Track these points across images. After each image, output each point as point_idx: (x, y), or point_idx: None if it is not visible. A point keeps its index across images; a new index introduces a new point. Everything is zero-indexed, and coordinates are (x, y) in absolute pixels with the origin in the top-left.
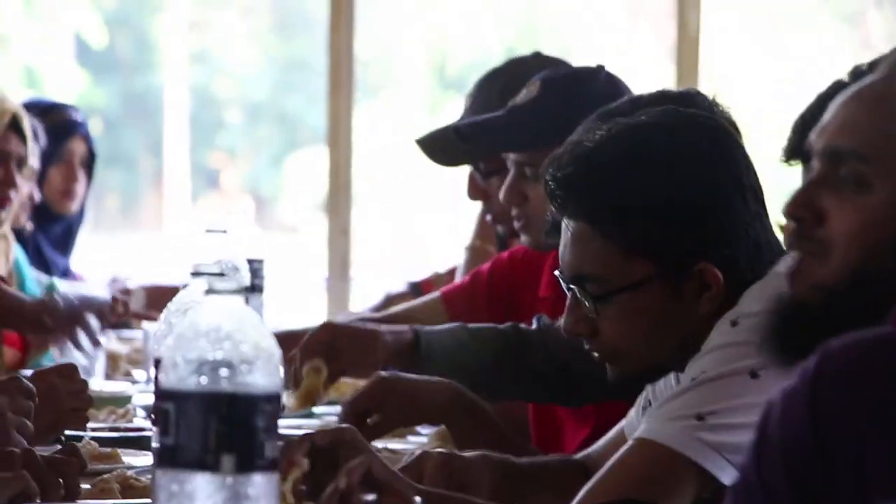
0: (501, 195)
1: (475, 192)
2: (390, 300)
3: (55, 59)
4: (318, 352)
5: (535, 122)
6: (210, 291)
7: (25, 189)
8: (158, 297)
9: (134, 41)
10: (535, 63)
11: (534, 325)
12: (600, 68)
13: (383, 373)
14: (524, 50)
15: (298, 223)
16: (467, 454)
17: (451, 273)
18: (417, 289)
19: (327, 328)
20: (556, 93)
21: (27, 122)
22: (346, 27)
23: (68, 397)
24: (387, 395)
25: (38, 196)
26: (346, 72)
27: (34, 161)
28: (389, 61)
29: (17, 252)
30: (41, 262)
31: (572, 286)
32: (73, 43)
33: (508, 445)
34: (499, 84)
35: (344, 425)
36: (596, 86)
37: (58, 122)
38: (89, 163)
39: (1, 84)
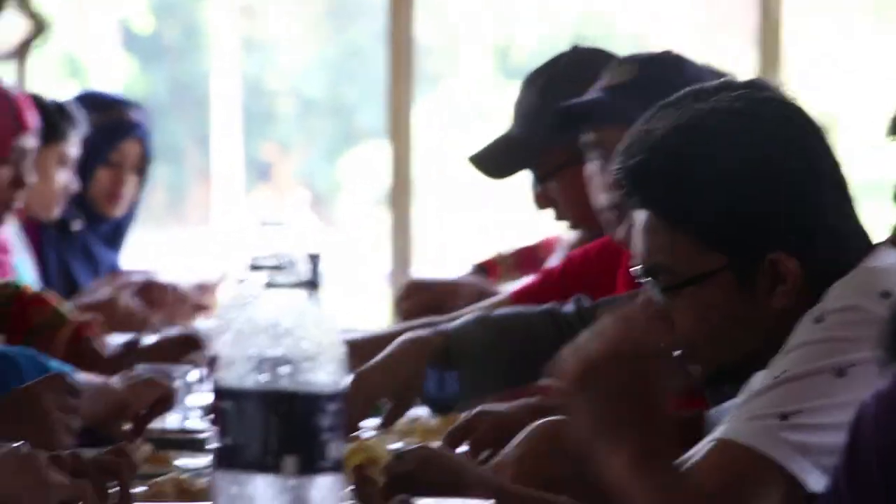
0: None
1: (543, 201)
2: None
3: (100, 47)
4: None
5: (640, 101)
6: (269, 286)
7: (61, 182)
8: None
9: (182, 28)
10: (576, 56)
11: (571, 307)
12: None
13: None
14: (592, 36)
15: (355, 218)
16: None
17: (517, 254)
18: (482, 271)
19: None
20: (657, 72)
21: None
22: (406, 14)
23: (57, 414)
24: (482, 425)
25: (74, 186)
26: (406, 61)
27: (72, 150)
28: (449, 49)
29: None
30: (88, 259)
31: (644, 278)
32: (119, 30)
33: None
34: (539, 82)
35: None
36: (692, 68)
37: (112, 120)
38: (143, 164)
39: (44, 73)
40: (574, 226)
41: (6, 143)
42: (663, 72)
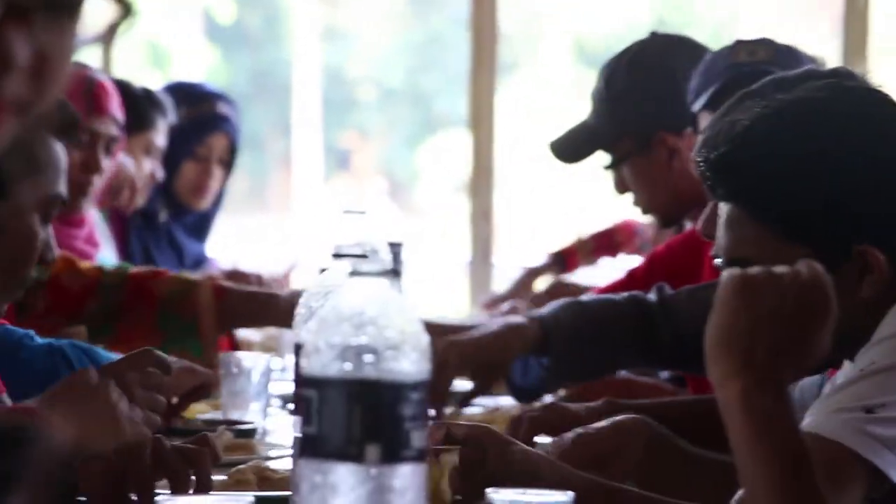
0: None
1: (621, 186)
2: (532, 274)
3: (183, 36)
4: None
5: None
6: (353, 274)
7: (147, 170)
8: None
9: (263, 16)
10: (659, 42)
11: (653, 296)
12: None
13: (553, 402)
14: (673, 23)
15: (434, 206)
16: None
17: (595, 238)
18: (560, 259)
19: None
20: (787, 59)
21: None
22: (489, 1)
23: (140, 392)
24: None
25: (160, 174)
26: (488, 48)
27: (159, 138)
28: (529, 37)
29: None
30: (174, 249)
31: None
32: (202, 18)
33: (706, 478)
34: (618, 70)
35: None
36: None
37: (201, 114)
38: (229, 158)
39: (128, 58)
40: (645, 211)
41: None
42: (790, 59)
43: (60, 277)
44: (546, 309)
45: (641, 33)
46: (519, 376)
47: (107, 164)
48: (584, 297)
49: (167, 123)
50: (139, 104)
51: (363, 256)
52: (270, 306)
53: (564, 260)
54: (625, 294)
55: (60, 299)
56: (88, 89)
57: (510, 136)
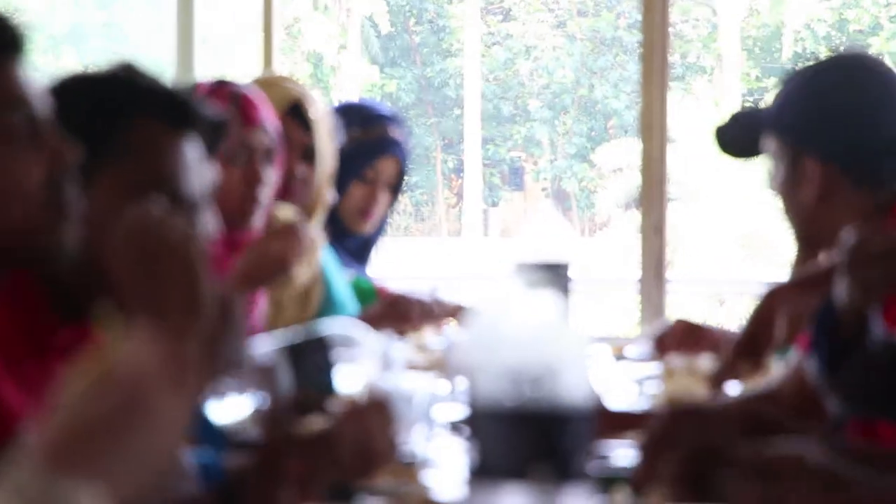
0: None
1: (775, 185)
2: None
3: (343, 48)
4: None
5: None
6: (520, 295)
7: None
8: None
9: (426, 28)
10: (852, 62)
11: None
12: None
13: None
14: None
15: (607, 220)
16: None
17: None
18: None
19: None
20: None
21: (316, 109)
22: (661, 6)
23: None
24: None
25: (331, 197)
26: (659, 56)
27: (331, 160)
28: (707, 43)
29: (325, 254)
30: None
31: None
32: (362, 31)
33: None
34: (808, 78)
35: None
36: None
37: (373, 137)
38: (397, 182)
39: (289, 75)
40: (790, 226)
41: (230, 140)
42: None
43: None
44: None
45: (827, 40)
46: None
47: (270, 174)
48: None
49: (335, 144)
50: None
51: (530, 276)
52: None
53: None
54: None
55: None
56: (235, 102)
57: (687, 147)
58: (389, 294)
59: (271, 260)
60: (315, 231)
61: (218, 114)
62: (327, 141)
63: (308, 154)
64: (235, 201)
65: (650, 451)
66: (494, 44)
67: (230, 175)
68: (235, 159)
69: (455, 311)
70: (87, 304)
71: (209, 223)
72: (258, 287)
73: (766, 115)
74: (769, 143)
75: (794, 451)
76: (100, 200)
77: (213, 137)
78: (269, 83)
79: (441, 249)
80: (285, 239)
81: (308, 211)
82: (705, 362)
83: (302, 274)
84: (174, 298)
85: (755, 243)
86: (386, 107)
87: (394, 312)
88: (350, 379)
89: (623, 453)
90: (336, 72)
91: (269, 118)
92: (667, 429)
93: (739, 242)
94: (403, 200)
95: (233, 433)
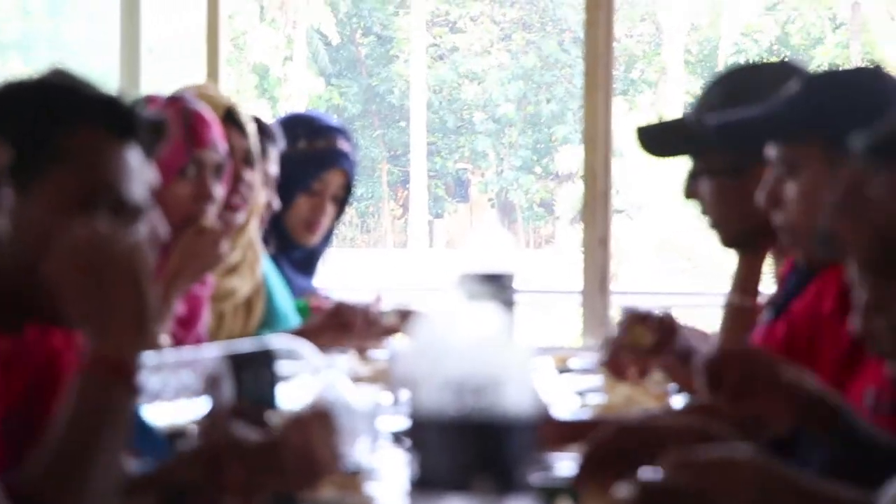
0: (757, 197)
1: (691, 193)
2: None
3: (289, 60)
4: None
5: (800, 116)
6: (464, 306)
7: (263, 200)
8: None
9: (372, 40)
10: (780, 69)
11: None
12: (875, 67)
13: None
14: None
15: (553, 233)
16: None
17: None
18: None
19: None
20: (823, 88)
21: (244, 114)
22: (606, 20)
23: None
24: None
25: (276, 204)
26: (603, 70)
27: (273, 167)
28: (651, 55)
29: (266, 264)
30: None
31: None
32: (308, 42)
33: None
34: (733, 82)
35: None
36: (867, 82)
37: (320, 149)
38: (343, 194)
39: (235, 86)
40: (712, 226)
41: (181, 157)
42: (831, 87)
43: None
44: None
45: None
46: None
47: (219, 190)
48: None
49: (278, 151)
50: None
51: (474, 287)
52: None
53: None
54: None
55: None
56: (187, 121)
57: (630, 159)
58: (332, 303)
59: (198, 256)
60: (255, 234)
61: (157, 116)
62: (258, 143)
63: (248, 158)
64: (182, 216)
65: (592, 462)
66: (440, 56)
67: (180, 190)
68: (185, 174)
69: (398, 321)
70: (20, 312)
71: (158, 226)
72: (189, 284)
73: (767, 119)
74: (776, 150)
75: (727, 453)
76: (41, 208)
77: (153, 140)
78: (200, 94)
79: (387, 261)
80: (207, 235)
81: (252, 213)
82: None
83: (244, 286)
84: (120, 311)
85: (698, 255)
86: (333, 119)
87: (336, 322)
88: (292, 393)
89: (566, 465)
90: (282, 83)
91: (219, 134)
92: (611, 442)
93: (683, 254)
94: (349, 212)
95: (175, 438)
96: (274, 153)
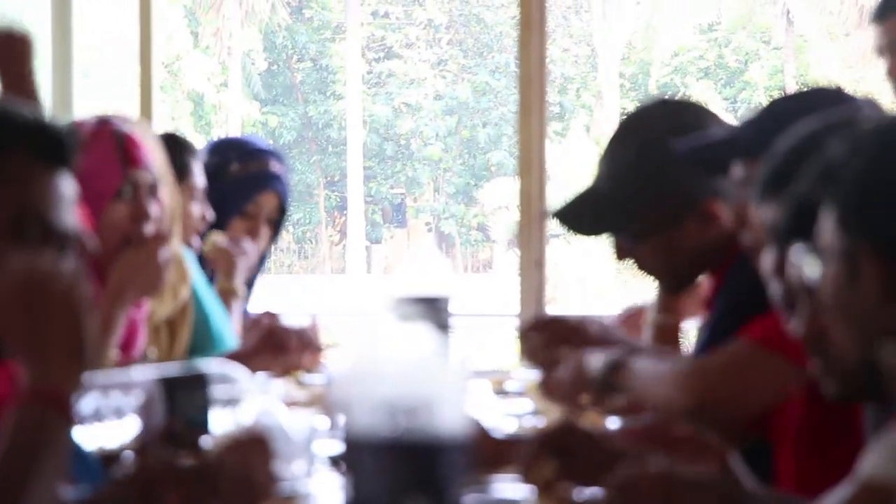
0: (727, 216)
1: (623, 252)
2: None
3: (224, 87)
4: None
5: (762, 136)
6: (398, 328)
7: (197, 214)
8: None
9: (308, 66)
10: (667, 110)
11: None
12: (836, 88)
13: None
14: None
15: (490, 258)
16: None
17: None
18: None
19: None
20: (782, 109)
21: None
22: (538, 48)
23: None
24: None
25: (210, 214)
26: (537, 95)
27: (199, 179)
28: (584, 79)
29: (202, 286)
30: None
31: None
32: (242, 68)
33: None
34: (633, 138)
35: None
36: (827, 102)
37: (252, 172)
38: (278, 216)
39: (170, 112)
40: (658, 278)
41: (116, 178)
42: (787, 105)
43: None
44: None
45: (705, 68)
46: None
47: (155, 210)
48: None
49: (199, 162)
50: (175, 155)
51: (407, 311)
52: None
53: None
54: None
55: None
56: (120, 144)
57: (566, 183)
58: (266, 325)
59: (139, 271)
60: (181, 256)
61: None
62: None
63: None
64: (121, 237)
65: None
66: (376, 83)
67: (117, 211)
68: (122, 195)
69: (331, 343)
70: None
71: (89, 243)
72: (133, 301)
73: (730, 141)
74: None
75: (661, 468)
76: None
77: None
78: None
79: (325, 287)
80: (151, 253)
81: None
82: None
83: (161, 308)
84: (57, 343)
85: (632, 277)
86: (264, 141)
87: (271, 343)
88: (225, 417)
89: (502, 486)
90: (217, 110)
91: (150, 154)
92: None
93: (618, 276)
94: (287, 238)
95: (109, 462)
96: (197, 165)
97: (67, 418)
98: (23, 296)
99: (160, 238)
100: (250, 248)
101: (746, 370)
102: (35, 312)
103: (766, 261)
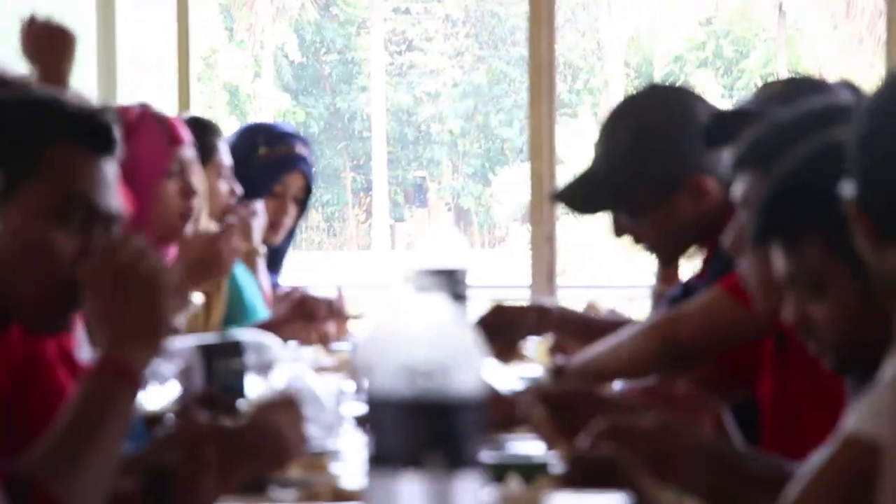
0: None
1: (620, 229)
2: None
3: (257, 78)
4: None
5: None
6: (419, 299)
7: (225, 190)
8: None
9: (335, 60)
10: (659, 95)
11: None
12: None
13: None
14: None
15: (505, 234)
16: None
17: None
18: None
19: None
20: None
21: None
22: (548, 37)
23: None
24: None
25: (238, 189)
26: (547, 82)
27: (225, 158)
28: (592, 67)
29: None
30: None
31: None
32: (273, 62)
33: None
34: (628, 123)
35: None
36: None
37: (279, 155)
38: (304, 196)
39: (207, 102)
40: (654, 251)
41: (167, 157)
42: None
43: None
44: None
45: (704, 57)
46: None
47: (199, 183)
48: None
49: (224, 142)
50: (200, 136)
51: (427, 280)
52: None
53: None
54: None
55: None
56: (165, 126)
57: (576, 165)
58: (297, 297)
59: (210, 259)
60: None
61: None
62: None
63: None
64: (176, 213)
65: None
66: (398, 74)
67: (170, 188)
68: (171, 173)
69: (357, 313)
70: (3, 315)
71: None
72: (199, 284)
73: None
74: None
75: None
76: (20, 218)
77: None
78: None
79: (351, 262)
80: (223, 240)
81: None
82: None
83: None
84: (138, 323)
85: (637, 252)
86: (290, 126)
87: (301, 313)
88: (259, 382)
89: (516, 444)
90: (251, 99)
91: (189, 136)
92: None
93: (625, 251)
94: (316, 217)
95: (152, 423)
96: (223, 145)
97: (134, 392)
98: (116, 269)
99: (231, 227)
100: (259, 207)
101: (709, 311)
102: (124, 288)
103: (727, 237)
